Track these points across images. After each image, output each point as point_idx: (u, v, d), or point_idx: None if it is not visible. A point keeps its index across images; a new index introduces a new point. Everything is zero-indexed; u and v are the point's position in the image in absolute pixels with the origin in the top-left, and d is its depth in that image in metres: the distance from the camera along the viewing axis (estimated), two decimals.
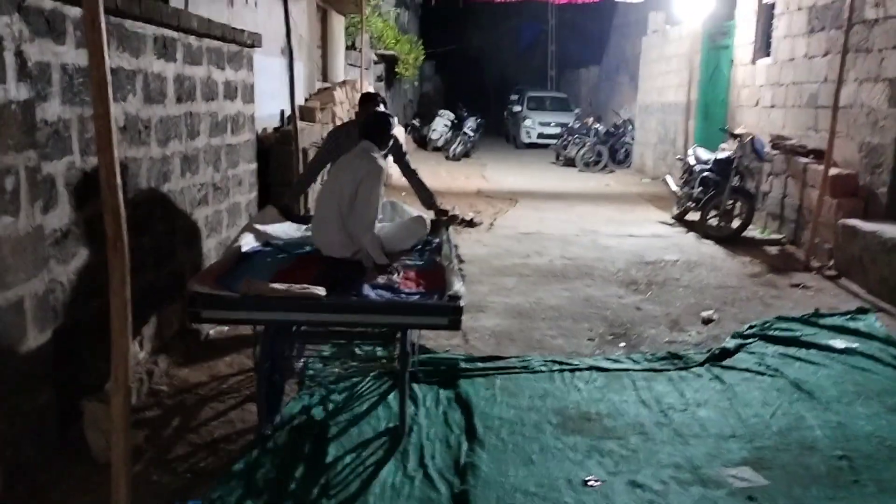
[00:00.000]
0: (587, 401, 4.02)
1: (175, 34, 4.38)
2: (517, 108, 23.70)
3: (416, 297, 3.39)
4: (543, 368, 4.43)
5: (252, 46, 5.79)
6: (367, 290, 3.39)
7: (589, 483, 3.17)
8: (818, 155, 7.06)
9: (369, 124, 4.05)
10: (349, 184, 3.71)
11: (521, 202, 11.31)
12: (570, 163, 16.90)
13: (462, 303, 3.20)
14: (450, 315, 3.17)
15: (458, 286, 3.31)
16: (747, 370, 4.45)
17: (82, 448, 3.17)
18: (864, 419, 3.81)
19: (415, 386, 4.04)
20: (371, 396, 3.97)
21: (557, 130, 19.42)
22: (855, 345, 4.83)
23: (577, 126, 18.09)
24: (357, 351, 4.54)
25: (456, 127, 19.55)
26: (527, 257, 7.43)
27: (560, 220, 9.71)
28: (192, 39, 4.63)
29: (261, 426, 3.44)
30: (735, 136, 8.49)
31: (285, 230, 4.32)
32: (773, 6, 9.19)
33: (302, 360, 4.12)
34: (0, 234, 2.67)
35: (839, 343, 4.85)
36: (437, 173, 14.72)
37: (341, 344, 4.47)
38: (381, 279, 3.55)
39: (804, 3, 8.26)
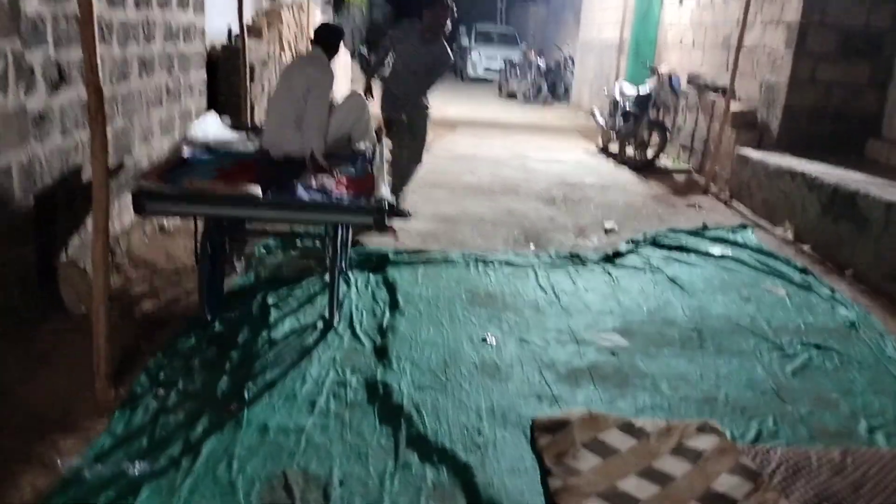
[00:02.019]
0: (495, 285, 4.73)
1: None
2: (465, 42, 23.96)
3: (347, 199, 3.68)
4: (461, 260, 5.12)
5: None
6: (301, 190, 3.68)
7: (486, 340, 3.89)
8: (726, 92, 7.78)
9: (322, 33, 4.52)
10: (300, 87, 4.24)
11: (461, 130, 11.87)
12: (511, 96, 17.47)
13: (385, 205, 3.56)
14: (374, 215, 3.48)
15: (383, 191, 3.67)
16: (634, 267, 5.22)
17: (57, 299, 3.72)
18: (720, 305, 4.62)
19: (349, 272, 4.68)
20: (308, 289, 4.41)
21: (503, 65, 19.86)
22: (729, 252, 5.65)
23: (520, 61, 18.59)
24: (297, 245, 5.09)
25: None
26: (459, 175, 8.06)
27: (495, 146, 10.34)
28: None
29: (202, 312, 3.77)
30: (656, 72, 9.17)
31: (226, 136, 4.67)
32: None
33: (243, 255, 4.62)
34: None
35: (716, 250, 5.67)
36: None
37: (282, 241, 5.00)
38: (314, 182, 3.86)
39: None
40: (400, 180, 6.01)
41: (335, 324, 3.87)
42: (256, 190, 3.43)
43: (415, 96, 5.86)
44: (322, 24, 4.64)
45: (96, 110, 2.85)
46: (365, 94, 5.42)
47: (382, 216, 3.52)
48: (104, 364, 3.00)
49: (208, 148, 4.26)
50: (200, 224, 3.96)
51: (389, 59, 6.06)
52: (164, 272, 4.47)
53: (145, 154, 5.09)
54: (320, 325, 3.87)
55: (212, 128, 4.60)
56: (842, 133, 7.24)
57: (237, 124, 5.20)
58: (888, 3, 7.00)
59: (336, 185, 3.87)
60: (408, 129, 5.88)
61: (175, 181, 3.50)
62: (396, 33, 5.91)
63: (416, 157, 6.06)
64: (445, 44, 5.85)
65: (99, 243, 2.89)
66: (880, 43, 7.09)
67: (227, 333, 3.71)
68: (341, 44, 4.61)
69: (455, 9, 5.82)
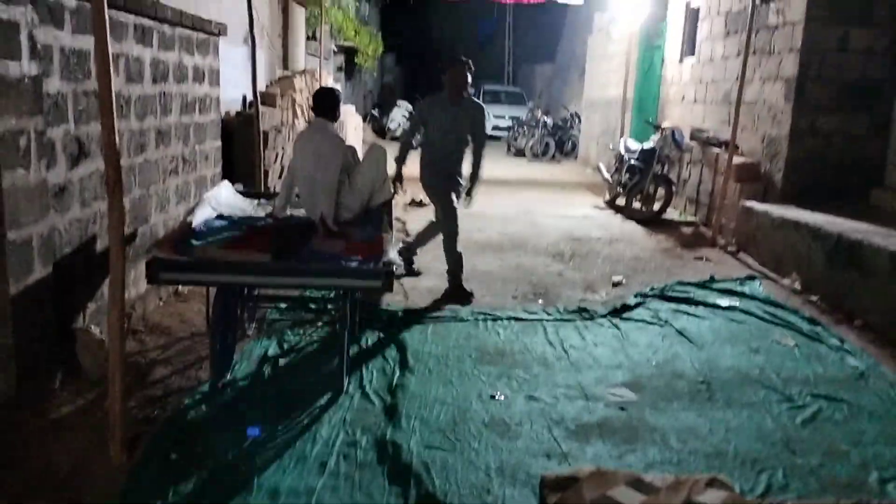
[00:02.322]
0: (504, 341, 4.78)
1: (152, 23, 4.98)
2: None
3: (356, 264, 3.72)
4: (470, 318, 5.18)
5: (218, 35, 6.39)
6: (311, 256, 3.79)
7: (495, 397, 3.92)
8: (728, 145, 7.91)
9: (321, 102, 4.62)
10: (336, 157, 4.41)
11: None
12: (520, 153, 17.74)
13: (395, 269, 3.76)
14: (382, 279, 3.54)
15: (393, 255, 3.85)
16: (642, 321, 5.26)
17: (74, 364, 3.81)
18: (729, 357, 4.64)
19: (360, 331, 4.74)
20: (320, 351, 4.49)
21: (511, 123, 20.20)
22: (737, 303, 5.68)
23: (527, 118, 18.95)
24: (310, 308, 5.11)
25: None
26: (468, 233, 8.13)
27: (503, 202, 10.48)
28: (166, 28, 5.23)
29: (213, 378, 3.85)
30: (659, 128, 9.35)
31: (239, 204, 4.78)
32: (697, 10, 10.06)
33: (255, 320, 4.68)
34: (17, 183, 3.30)
35: (724, 302, 5.70)
36: (392, 161, 15.39)
37: (293, 305, 5.06)
38: (324, 247, 3.94)
39: (722, 8, 9.14)
40: (451, 260, 5.83)
41: (345, 388, 3.89)
42: (266, 257, 3.54)
43: (454, 165, 5.78)
44: (318, 92, 4.74)
45: (114, 185, 2.99)
46: (395, 184, 5.45)
47: (391, 280, 3.57)
48: (119, 428, 3.07)
49: (221, 215, 4.37)
50: (213, 289, 4.07)
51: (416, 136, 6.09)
52: (178, 337, 4.56)
53: (162, 221, 5.24)
54: (331, 389, 3.89)
55: (224, 195, 4.72)
56: (845, 182, 7.32)
57: (250, 191, 5.36)
58: (882, 55, 7.16)
59: (345, 250, 3.92)
60: (446, 201, 5.78)
61: (187, 249, 3.59)
62: (423, 105, 5.91)
63: (447, 228, 5.86)
64: (474, 99, 5.88)
65: (115, 311, 2.99)
66: (878, 93, 7.23)
67: (239, 397, 3.78)
68: (341, 106, 4.75)
69: (472, 65, 5.85)
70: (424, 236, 6.31)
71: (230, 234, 3.99)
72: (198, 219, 4.11)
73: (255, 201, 5.00)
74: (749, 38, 7.50)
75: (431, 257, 6.88)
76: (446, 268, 5.83)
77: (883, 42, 7.13)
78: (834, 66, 7.19)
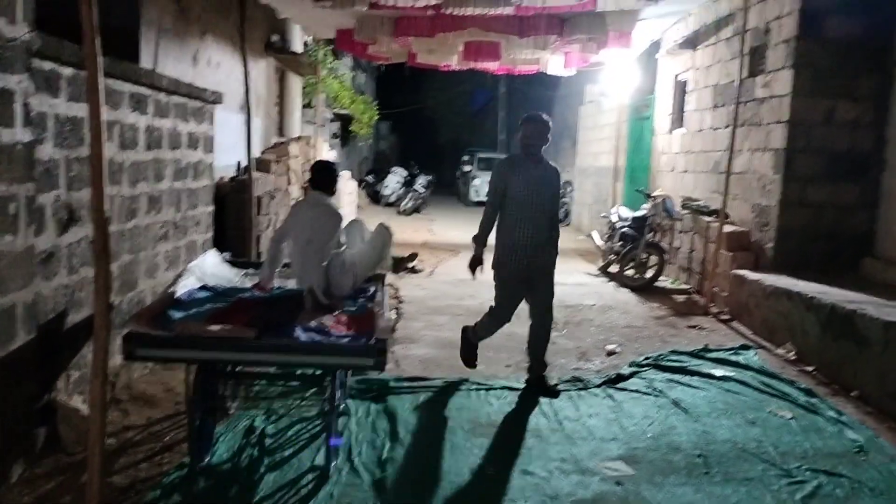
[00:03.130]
0: (496, 413, 4.68)
1: (147, 91, 5.05)
2: (468, 168, 24.79)
3: (346, 339, 3.52)
4: (462, 387, 5.09)
5: (214, 103, 6.48)
6: (299, 331, 3.52)
7: (488, 472, 3.81)
8: (719, 215, 7.97)
9: (319, 176, 4.47)
10: (332, 233, 4.30)
11: (463, 253, 12.04)
12: None
13: (388, 346, 3.45)
14: (374, 357, 3.32)
15: (385, 329, 3.59)
16: (637, 391, 5.17)
17: (55, 438, 3.69)
18: (725, 429, 4.54)
19: (349, 401, 4.62)
20: (304, 433, 4.19)
21: None
22: (732, 373, 5.61)
23: None
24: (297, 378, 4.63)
25: (408, 184, 20.44)
26: (460, 299, 8.13)
27: None
28: (161, 96, 5.30)
29: (192, 464, 3.61)
30: (650, 197, 9.44)
31: (225, 274, 4.65)
32: (685, 83, 10.30)
33: (238, 396, 4.38)
34: (3, 248, 3.26)
35: (719, 372, 5.62)
36: (472, 241, 15.46)
37: (277, 383, 4.60)
38: (312, 322, 3.72)
39: (710, 81, 9.36)
40: (539, 355, 5.10)
41: (331, 470, 3.66)
42: (250, 333, 3.35)
43: (545, 236, 4.93)
44: (316, 166, 4.59)
45: (101, 250, 2.96)
46: (474, 269, 5.00)
47: (383, 357, 3.35)
48: (97, 502, 2.95)
49: (205, 286, 4.22)
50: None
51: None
52: (163, 408, 4.45)
53: (150, 287, 5.18)
54: (316, 472, 3.69)
55: (210, 264, 4.59)
56: (835, 252, 7.35)
57: (237, 260, 5.25)
58: (868, 128, 7.29)
59: (335, 325, 3.72)
60: (526, 284, 4.98)
61: (168, 322, 3.44)
62: (504, 166, 5.01)
63: (548, 316, 5.18)
64: (550, 162, 5.12)
65: (97, 382, 2.91)
66: (866, 165, 7.33)
67: (218, 482, 3.57)
68: (338, 179, 4.63)
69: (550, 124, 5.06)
70: (487, 328, 5.31)
71: (214, 307, 3.81)
72: (181, 289, 3.97)
73: (243, 271, 4.86)
74: (737, 110, 7.65)
75: (423, 324, 6.82)
76: (437, 335, 5.70)
77: (868, 115, 7.27)
78: (822, 138, 7.31)
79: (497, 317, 5.15)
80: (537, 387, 5.07)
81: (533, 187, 4.85)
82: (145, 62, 5.74)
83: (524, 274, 4.90)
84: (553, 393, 4.98)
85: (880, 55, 7.16)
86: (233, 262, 5.00)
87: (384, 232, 4.64)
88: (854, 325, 5.37)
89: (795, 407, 4.93)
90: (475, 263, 5.01)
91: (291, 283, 4.54)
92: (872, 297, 5.88)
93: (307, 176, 12.02)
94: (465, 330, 5.41)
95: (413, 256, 5.12)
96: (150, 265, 5.23)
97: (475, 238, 5.03)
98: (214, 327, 3.39)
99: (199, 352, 3.38)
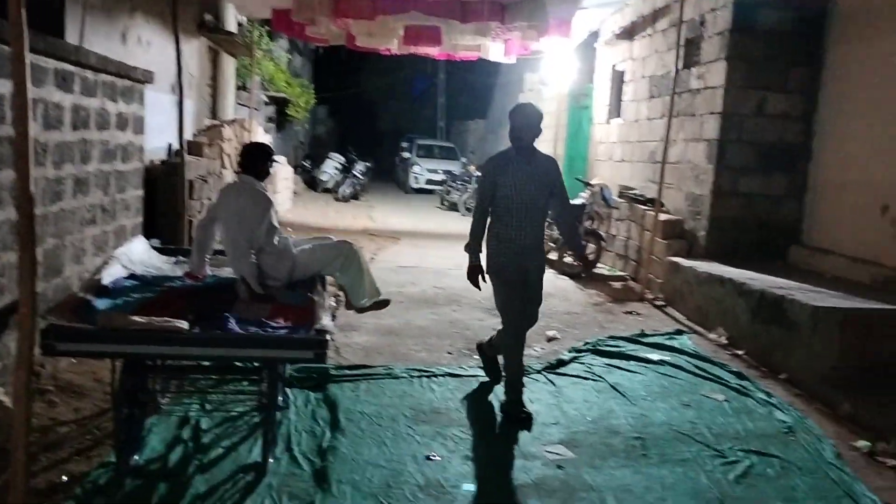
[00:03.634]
0: (439, 399, 4.67)
1: (73, 68, 4.81)
2: (407, 155, 24.68)
3: (284, 331, 3.37)
4: (404, 375, 5.06)
5: (144, 82, 6.23)
6: (233, 323, 3.36)
7: (430, 458, 3.79)
8: (655, 203, 8.14)
9: (249, 159, 4.24)
10: (261, 221, 4.11)
11: (403, 241, 12.01)
12: (453, 207, 17.86)
13: (329, 337, 3.25)
14: (315, 348, 3.18)
15: (326, 321, 3.39)
16: (577, 376, 5.24)
17: None
18: (661, 412, 4.65)
19: (288, 390, 4.50)
20: (242, 427, 3.98)
21: (444, 177, 20.41)
22: (667, 358, 5.74)
23: (460, 173, 19.19)
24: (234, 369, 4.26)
25: (346, 170, 20.18)
26: (402, 287, 8.08)
27: (437, 256, 10.46)
28: (88, 73, 5.06)
29: (118, 462, 3.36)
30: (588, 185, 9.57)
31: (154, 262, 4.37)
32: (623, 73, 10.46)
33: (167, 395, 4.09)
34: None
35: (655, 356, 5.75)
36: (325, 213, 15.33)
37: (212, 376, 4.31)
38: (249, 314, 3.57)
39: (646, 72, 9.52)
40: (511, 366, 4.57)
41: (268, 468, 3.50)
42: (181, 325, 3.13)
43: (540, 236, 4.61)
44: (245, 148, 4.39)
45: (27, 235, 2.80)
46: (475, 278, 4.52)
47: (324, 349, 3.20)
48: (20, 501, 2.80)
49: (133, 275, 3.96)
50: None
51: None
52: (92, 398, 4.27)
53: (76, 274, 4.96)
54: (253, 468, 3.53)
55: (137, 252, 4.32)
56: (765, 240, 7.60)
57: (167, 247, 4.97)
58: (798, 120, 7.54)
59: (272, 316, 3.56)
60: (523, 285, 4.59)
61: (91, 314, 3.20)
62: (494, 162, 4.57)
63: (533, 318, 4.80)
64: (545, 154, 4.73)
65: (22, 374, 2.76)
66: (794, 156, 7.58)
67: (149, 476, 3.39)
68: (271, 162, 4.39)
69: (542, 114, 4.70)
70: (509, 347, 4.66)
71: (141, 297, 3.60)
72: (106, 278, 3.72)
73: (173, 258, 4.58)
74: (672, 101, 7.80)
75: (368, 314, 6.73)
76: (379, 322, 5.62)
77: (797, 107, 7.52)
78: (753, 130, 7.53)
79: (512, 325, 4.57)
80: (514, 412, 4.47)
81: (524, 186, 4.42)
82: (71, 38, 5.47)
83: (522, 277, 4.57)
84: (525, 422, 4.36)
85: (810, 48, 7.41)
86: (162, 249, 4.73)
87: (349, 252, 4.48)
88: (783, 310, 5.56)
89: (727, 389, 5.09)
90: (474, 273, 4.54)
91: (227, 272, 4.36)
92: (800, 284, 6.11)
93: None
94: (479, 347, 5.15)
95: (385, 303, 4.66)
96: (77, 250, 5.00)
97: (468, 247, 4.58)
98: (142, 319, 3.14)
99: (124, 346, 3.12)
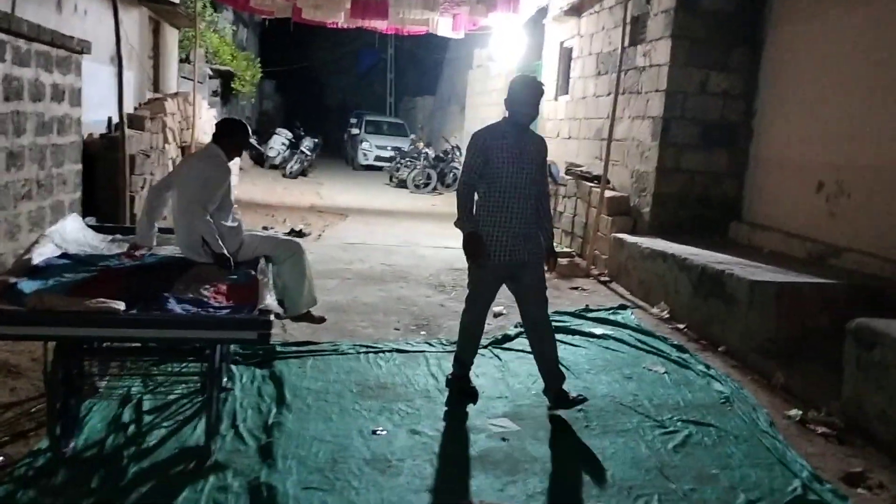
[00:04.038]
0: (386, 374, 4.68)
1: (4, 36, 4.62)
2: (355, 132, 24.45)
3: (226, 311, 3.26)
4: (351, 351, 5.05)
5: (81, 53, 6.02)
6: (173, 304, 3.26)
7: (376, 432, 3.81)
8: (601, 180, 8.25)
9: (223, 129, 4.27)
10: (192, 184, 4.04)
11: (352, 217, 11.93)
12: (402, 184, 17.79)
13: (272, 317, 3.14)
14: (259, 329, 3.09)
15: (269, 300, 3.29)
16: (522, 350, 5.29)
17: None
18: (604, 384, 4.75)
19: (233, 367, 4.46)
20: (184, 408, 3.86)
21: (393, 154, 20.29)
22: (611, 332, 5.85)
23: (409, 150, 19.11)
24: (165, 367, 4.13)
25: (293, 146, 19.89)
26: (350, 263, 8.04)
27: (386, 233, 10.43)
28: (21, 42, 4.86)
29: (52, 450, 3.21)
30: None
31: (89, 241, 4.22)
32: (571, 50, 10.52)
33: (106, 378, 3.94)
34: None
35: (598, 330, 5.86)
36: (272, 190, 15.11)
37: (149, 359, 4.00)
38: (189, 293, 3.46)
39: (594, 49, 9.60)
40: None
41: (213, 452, 3.37)
42: (117, 306, 2.99)
43: (532, 219, 4.13)
44: (224, 120, 4.41)
45: None
46: (474, 251, 4.02)
47: (268, 329, 3.11)
48: None
49: (66, 254, 3.79)
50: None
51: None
52: (28, 377, 4.15)
53: (11, 251, 4.80)
54: (196, 453, 3.40)
55: (71, 230, 4.14)
56: (707, 217, 7.79)
57: (103, 225, 4.78)
58: (738, 98, 7.71)
59: (214, 295, 3.43)
60: (519, 280, 4.17)
61: (20, 296, 3.05)
62: (484, 137, 4.07)
63: (545, 311, 4.27)
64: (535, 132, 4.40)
65: None
66: (735, 134, 7.77)
67: (86, 464, 3.23)
68: (244, 142, 4.36)
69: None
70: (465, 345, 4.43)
71: (74, 277, 3.44)
72: (37, 258, 3.54)
73: (109, 237, 4.41)
74: (619, 78, 7.89)
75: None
76: (326, 299, 5.57)
77: (738, 86, 7.69)
78: (696, 108, 7.67)
79: (472, 313, 4.31)
80: (562, 404, 4.18)
81: (518, 162, 4.01)
82: (2, 5, 5.23)
83: (507, 271, 4.13)
84: (576, 402, 4.14)
85: (751, 28, 7.57)
86: (97, 228, 4.54)
87: (297, 246, 4.57)
88: (722, 284, 5.72)
89: (668, 362, 5.22)
90: (473, 243, 4.01)
91: (168, 250, 4.26)
92: (739, 259, 6.28)
93: (184, 135, 11.43)
94: (449, 382, 4.46)
95: (321, 320, 4.59)
96: (12, 226, 4.84)
97: (458, 223, 4.13)
98: (75, 300, 3.00)
99: (56, 328, 2.96)
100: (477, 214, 4.12)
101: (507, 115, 4.15)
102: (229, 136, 4.28)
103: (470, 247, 4.06)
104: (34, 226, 5.19)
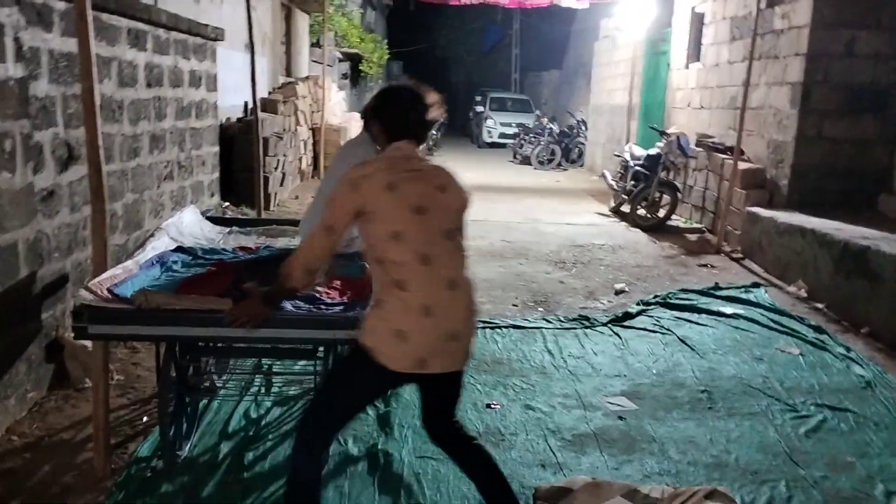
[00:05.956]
0: (501, 350, 4.69)
1: (146, 27, 4.95)
2: (480, 109, 24.47)
3: (339, 308, 2.95)
4: None
5: (216, 40, 6.36)
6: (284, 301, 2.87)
7: (491, 406, 3.83)
8: (734, 151, 7.82)
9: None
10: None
11: (475, 195, 11.89)
12: (526, 161, 17.65)
13: None
14: None
15: None
16: (644, 329, 5.16)
17: (63, 373, 3.74)
18: (731, 365, 4.53)
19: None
20: (293, 416, 3.64)
21: (517, 130, 20.14)
22: (742, 311, 5.57)
23: (533, 126, 18.89)
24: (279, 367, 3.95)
25: None
26: (470, 240, 8.04)
27: (507, 210, 10.40)
28: (160, 32, 5.20)
29: (165, 455, 3.08)
30: (665, 134, 9.26)
31: (205, 233, 4.04)
32: (703, 16, 9.98)
33: (223, 377, 3.72)
34: (2, 186, 3.24)
35: (728, 310, 5.58)
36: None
37: (262, 359, 3.86)
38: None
39: (728, 13, 9.06)
40: None
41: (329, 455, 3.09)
42: (225, 304, 2.69)
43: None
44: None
45: (97, 186, 2.92)
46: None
47: None
48: (102, 435, 2.99)
49: (180, 247, 3.60)
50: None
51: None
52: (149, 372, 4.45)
53: (155, 227, 5.18)
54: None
55: (187, 223, 3.98)
56: (852, 189, 7.20)
57: (220, 217, 4.70)
58: (890, 60, 7.04)
59: (327, 290, 3.14)
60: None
61: (130, 291, 2.79)
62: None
63: None
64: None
65: (100, 367, 2.91)
66: (886, 98, 7.11)
67: (200, 471, 3.08)
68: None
69: None
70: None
71: (186, 272, 3.24)
72: (150, 252, 3.36)
73: (227, 229, 4.25)
74: (754, 42, 7.41)
75: None
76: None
77: (891, 46, 7.02)
78: (841, 71, 7.08)
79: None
80: None
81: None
82: None
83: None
84: None
85: None
86: (215, 219, 4.41)
87: None
88: (867, 261, 5.29)
89: (804, 343, 4.90)
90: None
91: (282, 243, 4.01)
92: (888, 234, 5.78)
93: (315, 117, 11.75)
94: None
95: None
96: (156, 204, 5.22)
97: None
98: (181, 298, 2.78)
99: (162, 328, 2.74)
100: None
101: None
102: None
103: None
104: (176, 204, 5.57)
